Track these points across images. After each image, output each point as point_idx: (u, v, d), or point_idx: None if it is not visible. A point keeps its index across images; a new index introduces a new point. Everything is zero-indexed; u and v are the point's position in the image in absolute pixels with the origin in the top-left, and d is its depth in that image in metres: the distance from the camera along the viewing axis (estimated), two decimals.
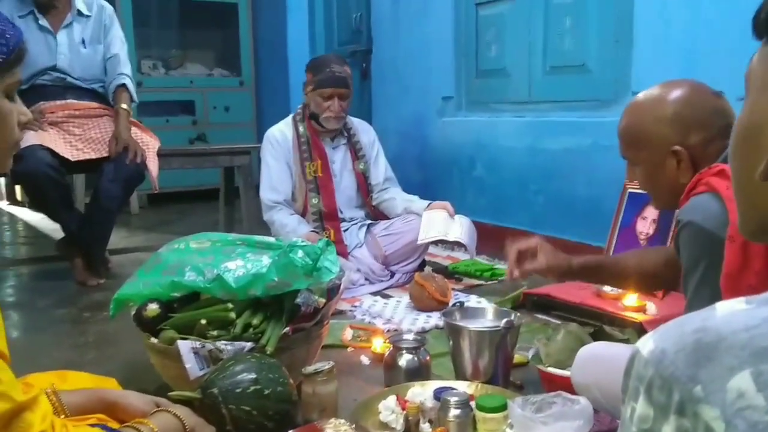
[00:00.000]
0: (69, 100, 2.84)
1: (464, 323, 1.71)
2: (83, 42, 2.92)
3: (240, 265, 1.60)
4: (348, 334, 2.14)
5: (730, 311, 0.47)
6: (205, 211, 4.69)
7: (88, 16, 2.95)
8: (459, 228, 2.68)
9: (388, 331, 2.14)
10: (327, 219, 2.76)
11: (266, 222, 2.81)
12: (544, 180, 3.02)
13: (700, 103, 1.33)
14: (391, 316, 2.32)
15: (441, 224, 2.66)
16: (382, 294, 2.64)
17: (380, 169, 2.92)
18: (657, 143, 1.35)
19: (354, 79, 4.40)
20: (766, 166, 0.52)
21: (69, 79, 2.89)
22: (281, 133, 2.82)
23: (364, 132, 2.95)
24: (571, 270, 1.64)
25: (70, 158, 2.74)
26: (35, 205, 2.90)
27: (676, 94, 1.35)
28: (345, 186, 2.86)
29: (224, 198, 3.62)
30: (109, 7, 3.05)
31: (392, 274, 2.77)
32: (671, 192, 1.36)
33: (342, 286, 1.76)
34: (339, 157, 2.86)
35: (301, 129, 2.80)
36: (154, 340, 1.58)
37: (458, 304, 2.30)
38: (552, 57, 2.99)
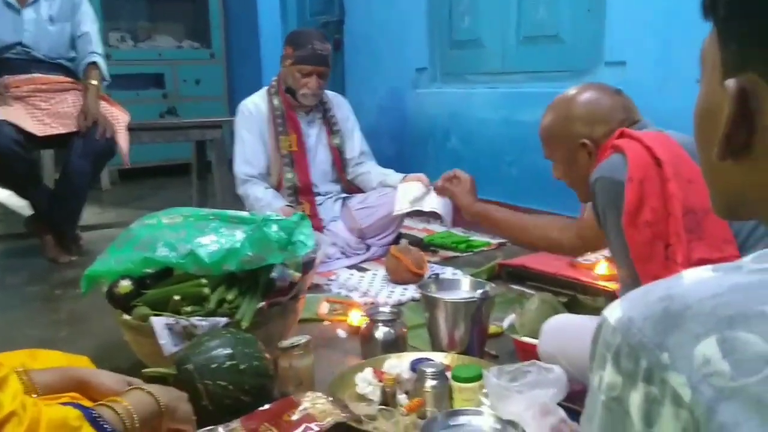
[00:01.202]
0: (35, 74, 2.76)
1: (440, 295, 1.72)
2: (50, 19, 2.84)
3: (213, 240, 1.58)
4: (324, 307, 2.14)
5: (696, 279, 0.47)
6: (177, 186, 4.63)
7: None
8: (435, 199, 2.67)
9: (365, 304, 2.14)
10: (302, 193, 2.74)
11: (240, 196, 2.77)
12: (519, 151, 3.03)
13: (601, 100, 1.50)
14: (367, 289, 2.33)
15: (417, 195, 2.65)
16: (357, 267, 2.63)
17: (355, 143, 2.90)
18: (568, 139, 1.52)
19: None
20: (720, 146, 0.52)
21: (34, 53, 2.81)
22: (255, 105, 2.77)
23: (339, 106, 2.92)
24: (467, 208, 1.95)
25: (37, 133, 2.68)
26: (2, 181, 2.83)
27: (581, 94, 1.53)
28: (320, 161, 2.83)
29: (196, 172, 3.57)
30: None
31: (368, 248, 2.77)
32: (588, 183, 1.45)
33: (317, 260, 1.75)
34: (314, 132, 2.83)
35: (275, 102, 2.75)
36: (126, 316, 1.56)
37: (434, 276, 2.31)
38: (525, 27, 2.97)
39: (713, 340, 0.42)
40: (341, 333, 1.95)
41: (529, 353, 1.59)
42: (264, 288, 1.60)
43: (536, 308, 1.68)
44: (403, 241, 2.55)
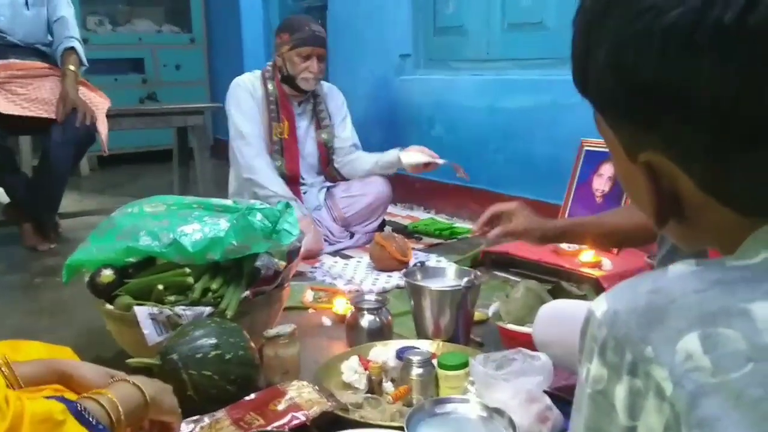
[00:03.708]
0: (11, 60, 2.70)
1: (425, 283, 1.72)
2: (26, 3, 2.78)
3: (197, 228, 1.56)
4: (309, 295, 2.13)
5: (680, 273, 0.48)
6: (158, 172, 4.58)
7: None
8: (441, 161, 2.68)
9: (349, 291, 2.13)
10: (288, 182, 2.71)
11: (246, 179, 2.66)
12: (503, 139, 3.03)
13: None
14: (351, 276, 2.32)
15: (424, 155, 2.65)
16: (341, 255, 2.63)
17: (346, 134, 2.86)
18: None
19: None
20: (654, 220, 0.55)
21: (10, 38, 2.75)
22: (252, 84, 2.71)
23: (333, 97, 2.88)
24: (547, 233, 1.62)
25: (14, 113, 2.62)
26: None
27: None
28: (308, 152, 2.80)
29: (178, 159, 3.53)
30: None
31: (351, 235, 2.76)
32: None
33: (302, 249, 1.74)
34: (304, 124, 2.80)
35: (270, 87, 2.71)
36: (109, 306, 1.54)
37: (419, 264, 2.30)
38: (510, 14, 2.96)
39: (695, 335, 0.43)
40: (326, 321, 1.94)
41: (514, 340, 1.59)
42: (249, 277, 1.58)
43: (521, 296, 1.69)
44: (387, 229, 2.55)
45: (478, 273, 1.75)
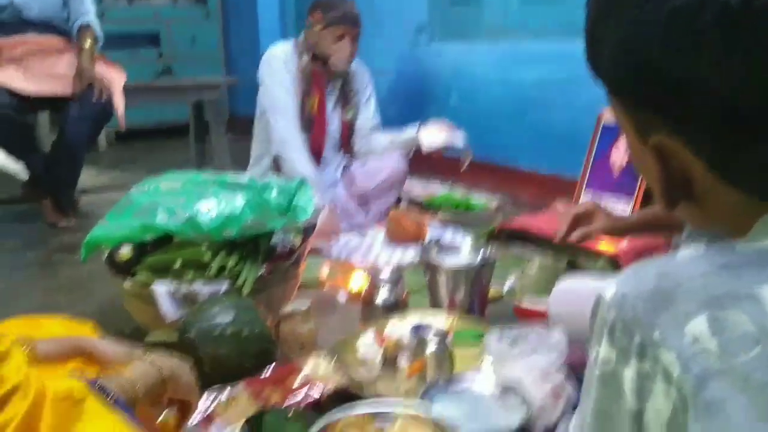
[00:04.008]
0: (28, 35, 2.71)
1: (440, 260, 1.72)
2: None
3: (213, 205, 1.57)
4: (325, 271, 2.14)
5: (689, 257, 0.48)
6: (175, 147, 4.59)
7: None
8: (460, 136, 2.65)
9: (365, 267, 2.14)
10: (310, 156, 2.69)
11: (276, 156, 2.62)
12: (521, 110, 3.00)
13: None
14: (367, 251, 2.33)
15: (443, 134, 2.63)
16: (358, 230, 2.63)
17: (369, 115, 2.83)
18: None
19: None
20: (663, 202, 0.55)
21: (26, 14, 2.75)
22: (286, 56, 2.65)
23: (361, 75, 2.83)
24: (630, 226, 1.60)
25: (32, 92, 2.64)
26: None
27: None
28: (333, 129, 2.77)
29: (194, 135, 3.54)
30: None
31: (368, 211, 2.76)
32: None
33: (317, 225, 1.75)
34: (332, 100, 2.77)
35: (304, 59, 2.65)
36: (128, 283, 1.56)
37: (434, 240, 2.30)
38: None
39: (703, 318, 0.43)
40: (342, 297, 1.95)
41: (529, 317, 1.60)
42: (265, 254, 1.60)
43: (536, 272, 1.69)
44: (403, 204, 2.55)
45: (493, 249, 1.75)
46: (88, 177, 3.66)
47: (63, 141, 2.71)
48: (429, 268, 1.69)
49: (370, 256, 2.28)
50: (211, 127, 3.35)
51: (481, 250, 1.76)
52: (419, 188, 3.28)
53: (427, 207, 2.96)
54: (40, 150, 2.80)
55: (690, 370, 0.42)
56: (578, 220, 1.59)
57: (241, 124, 4.97)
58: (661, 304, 0.45)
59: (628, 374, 0.46)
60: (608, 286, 0.49)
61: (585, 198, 2.34)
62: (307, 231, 1.70)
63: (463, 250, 1.79)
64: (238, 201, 1.58)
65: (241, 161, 2.91)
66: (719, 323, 0.43)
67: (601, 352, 0.48)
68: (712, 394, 0.41)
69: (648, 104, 0.51)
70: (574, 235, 1.56)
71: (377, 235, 2.52)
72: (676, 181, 0.52)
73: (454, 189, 3.25)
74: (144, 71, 5.04)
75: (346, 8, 2.60)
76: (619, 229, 1.59)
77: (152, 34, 5.23)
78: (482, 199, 3.05)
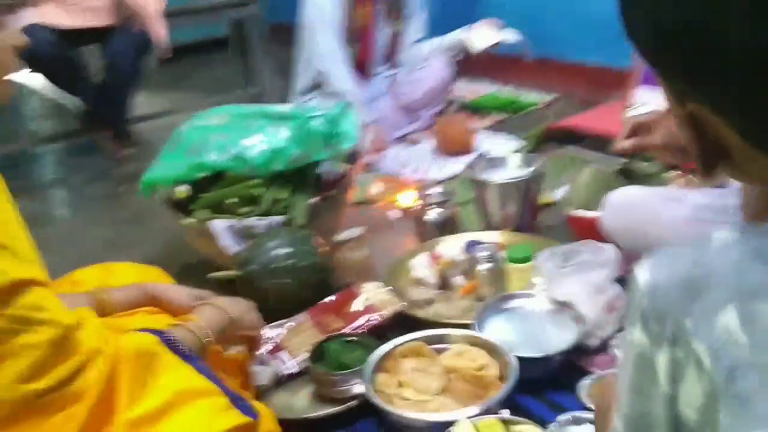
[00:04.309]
0: None
1: (488, 175, 1.71)
2: None
3: (259, 140, 1.59)
4: (376, 189, 2.16)
5: (724, 243, 0.47)
6: (223, 61, 4.56)
7: None
8: (511, 32, 2.55)
9: (415, 183, 2.15)
10: (357, 69, 2.64)
11: (320, 72, 2.54)
12: (568, 2, 2.85)
13: None
14: (417, 164, 2.33)
15: (493, 33, 2.55)
16: (408, 140, 2.62)
17: (418, 23, 2.72)
18: None
19: None
20: (698, 167, 0.54)
21: None
22: None
23: None
24: (685, 149, 1.52)
25: (72, 26, 2.65)
26: (49, 81, 2.86)
27: None
28: (381, 42, 2.69)
29: (237, 52, 3.52)
30: None
31: (417, 118, 2.73)
32: None
33: (366, 141, 1.74)
34: (382, 11, 2.64)
35: None
36: (188, 220, 1.62)
37: (482, 154, 2.26)
38: None
39: (734, 310, 0.43)
40: (394, 215, 1.98)
41: (582, 227, 1.60)
42: (313, 183, 1.62)
43: (588, 181, 1.66)
44: (451, 109, 2.50)
45: (541, 160, 1.73)
46: (139, 101, 3.72)
47: (110, 73, 2.75)
48: (477, 185, 1.69)
49: (420, 170, 2.28)
50: (252, 46, 3.31)
51: (529, 161, 1.74)
52: (467, 89, 3.20)
53: (476, 109, 2.91)
54: (90, 83, 2.84)
55: (721, 361, 0.43)
56: (638, 130, 1.54)
57: (284, 31, 4.88)
58: (693, 293, 0.45)
59: (662, 359, 0.46)
60: (642, 271, 0.49)
61: (639, 93, 2.25)
62: (353, 156, 1.71)
63: (510, 161, 1.78)
64: (283, 134, 1.59)
65: (286, 71, 2.87)
66: (750, 316, 0.42)
67: (635, 335, 0.49)
68: (743, 386, 0.41)
69: (677, 72, 0.49)
70: (628, 143, 1.51)
71: (426, 145, 2.51)
72: (712, 148, 0.51)
73: (502, 89, 3.16)
74: None
75: None
76: (677, 147, 1.52)
77: None
78: (531, 97, 2.97)
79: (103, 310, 1.12)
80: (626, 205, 1.42)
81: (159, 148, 2.72)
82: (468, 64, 2.86)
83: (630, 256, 1.40)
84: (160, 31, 2.75)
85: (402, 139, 2.62)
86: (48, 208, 2.56)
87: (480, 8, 3.30)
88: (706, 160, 0.52)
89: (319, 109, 1.69)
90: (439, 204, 1.72)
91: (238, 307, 1.15)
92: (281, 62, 3.39)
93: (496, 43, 2.51)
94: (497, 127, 2.67)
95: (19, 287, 0.77)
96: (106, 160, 2.89)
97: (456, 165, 2.27)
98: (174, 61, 3.54)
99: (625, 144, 1.50)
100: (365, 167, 2.31)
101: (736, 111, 0.47)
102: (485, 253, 1.45)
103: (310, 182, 1.62)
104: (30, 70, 2.69)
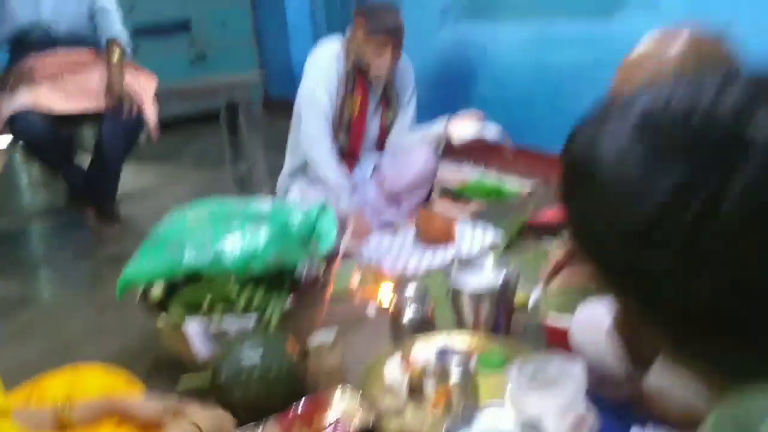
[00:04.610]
0: (59, 52, 2.77)
1: (463, 278, 1.73)
2: None
3: (237, 243, 1.62)
4: (355, 280, 2.17)
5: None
6: (212, 134, 4.63)
7: None
8: (493, 128, 2.62)
9: (394, 277, 2.17)
10: (345, 157, 2.70)
11: (307, 156, 2.61)
12: (552, 93, 2.94)
13: (706, 53, 1.18)
14: (397, 255, 2.35)
15: (474, 126, 2.61)
16: (389, 227, 2.65)
17: (407, 115, 2.80)
18: None
19: None
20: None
21: (54, 29, 2.81)
22: (337, 54, 2.62)
23: (405, 74, 2.78)
24: None
25: (67, 110, 2.72)
26: (38, 163, 2.91)
27: (676, 47, 1.20)
28: (370, 132, 2.76)
29: (228, 131, 3.59)
30: None
31: (399, 205, 2.77)
32: None
33: (341, 248, 1.78)
34: (374, 101, 2.75)
35: (349, 61, 2.62)
36: (162, 320, 1.63)
37: (457, 256, 2.26)
38: None
39: None
40: (371, 310, 1.99)
41: (554, 336, 1.61)
42: (290, 284, 1.64)
43: (562, 288, 1.68)
44: (435, 194, 2.55)
45: (517, 262, 1.75)
46: (129, 174, 3.76)
47: (99, 155, 2.80)
48: (452, 289, 1.71)
49: (400, 261, 2.30)
50: (244, 126, 3.38)
51: (504, 264, 1.76)
52: (451, 173, 3.27)
53: (459, 195, 2.96)
54: (78, 163, 2.89)
55: None
56: (562, 266, 1.57)
57: (277, 105, 5.01)
58: None
59: None
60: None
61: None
62: (331, 255, 1.73)
63: (486, 263, 1.80)
64: (261, 235, 1.62)
65: (276, 146, 2.91)
66: None
67: None
68: None
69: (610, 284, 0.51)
70: (555, 283, 1.55)
71: (408, 234, 2.54)
72: (643, 342, 0.53)
73: (486, 174, 3.23)
74: (177, 59, 5.12)
75: (389, 18, 2.55)
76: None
77: (183, 22, 5.27)
78: (515, 185, 3.03)
79: (65, 427, 1.12)
80: (594, 321, 1.43)
81: (144, 227, 2.73)
82: (451, 148, 2.94)
83: (599, 373, 1.41)
84: (151, 115, 2.82)
85: (385, 226, 2.66)
86: (31, 290, 2.56)
87: (463, 97, 3.40)
88: (636, 354, 0.53)
89: (299, 208, 1.72)
90: (415, 303, 1.73)
91: (212, 422, 1.15)
92: (275, 135, 3.46)
93: (477, 136, 2.58)
94: (478, 217, 2.71)
95: None
96: (92, 236, 2.91)
97: (436, 257, 2.30)
98: (165, 133, 3.63)
99: (553, 283, 1.54)
100: (346, 255, 2.32)
101: (665, 328, 0.49)
102: (457, 362, 1.46)
103: (287, 282, 1.64)
104: (22, 150, 2.74)
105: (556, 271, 1.56)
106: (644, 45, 1.32)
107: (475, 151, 3.35)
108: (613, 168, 0.48)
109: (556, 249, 1.60)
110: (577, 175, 0.52)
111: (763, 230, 0.43)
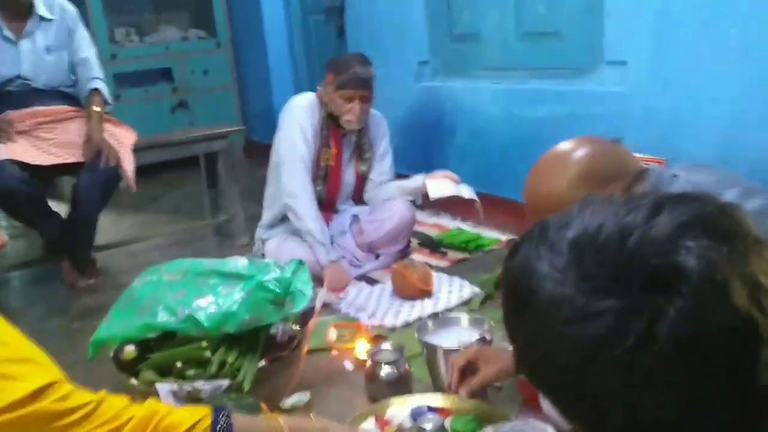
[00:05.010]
0: (36, 107, 2.77)
1: (437, 336, 1.73)
2: (47, 49, 2.84)
3: (211, 301, 1.61)
4: (332, 334, 2.17)
5: None
6: (191, 182, 4.65)
7: (50, 20, 2.86)
8: (467, 189, 2.67)
9: (370, 331, 2.16)
10: (323, 208, 2.72)
11: (286, 206, 2.63)
12: (526, 147, 2.97)
13: (607, 156, 1.22)
14: (374, 309, 2.35)
15: (450, 185, 2.65)
16: (367, 279, 2.65)
17: (384, 168, 2.85)
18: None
19: (330, 36, 4.28)
20: None
21: (33, 84, 2.82)
22: (311, 107, 2.67)
23: (377, 126, 2.84)
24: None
25: (44, 163, 2.71)
26: (12, 217, 2.89)
27: (579, 152, 1.22)
28: (347, 181, 2.81)
29: (206, 182, 3.60)
30: (71, 9, 2.95)
31: (377, 256, 2.78)
32: None
33: (317, 307, 1.78)
34: (348, 152, 2.79)
35: (322, 113, 2.68)
36: (133, 381, 1.61)
37: (432, 315, 2.24)
38: (524, 22, 2.90)
39: None
40: (348, 365, 1.98)
41: (529, 394, 1.61)
42: (264, 345, 1.63)
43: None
44: (409, 259, 2.58)
45: (491, 324, 1.76)
46: (106, 223, 3.75)
47: (76, 208, 2.78)
48: (426, 348, 1.71)
49: (377, 315, 2.30)
50: (223, 178, 3.39)
51: (480, 323, 1.77)
52: (428, 222, 3.29)
53: (437, 244, 2.98)
54: (54, 216, 2.86)
55: None
56: (465, 371, 1.58)
57: (258, 149, 5.03)
58: None
59: None
60: None
61: None
62: (307, 315, 1.73)
63: (461, 323, 1.81)
64: (236, 296, 1.61)
65: (256, 195, 2.91)
66: None
67: None
68: None
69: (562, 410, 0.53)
70: (462, 392, 1.55)
71: (385, 286, 2.54)
72: None
73: (463, 224, 3.26)
74: (159, 106, 5.15)
75: (357, 71, 2.60)
76: (507, 374, 1.57)
77: (165, 69, 5.31)
78: (492, 235, 3.05)
79: None
80: None
81: (121, 279, 2.70)
82: (428, 201, 2.97)
83: None
84: (129, 168, 2.82)
85: (362, 277, 2.67)
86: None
87: (440, 149, 3.45)
88: None
89: (275, 266, 1.72)
90: (391, 363, 1.72)
91: None
92: (254, 183, 3.47)
93: (451, 195, 2.62)
94: (456, 269, 2.72)
95: (46, 388, 1.01)
96: (66, 289, 2.88)
97: (413, 310, 2.30)
98: (143, 180, 3.63)
99: (461, 392, 1.56)
100: (324, 307, 2.32)
101: None
102: (430, 428, 1.45)
103: (261, 344, 1.63)
104: None
105: (461, 377, 1.57)
106: (551, 152, 1.31)
107: (452, 207, 3.39)
108: (551, 294, 0.50)
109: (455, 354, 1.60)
110: (518, 297, 0.54)
111: (700, 353, 0.44)
